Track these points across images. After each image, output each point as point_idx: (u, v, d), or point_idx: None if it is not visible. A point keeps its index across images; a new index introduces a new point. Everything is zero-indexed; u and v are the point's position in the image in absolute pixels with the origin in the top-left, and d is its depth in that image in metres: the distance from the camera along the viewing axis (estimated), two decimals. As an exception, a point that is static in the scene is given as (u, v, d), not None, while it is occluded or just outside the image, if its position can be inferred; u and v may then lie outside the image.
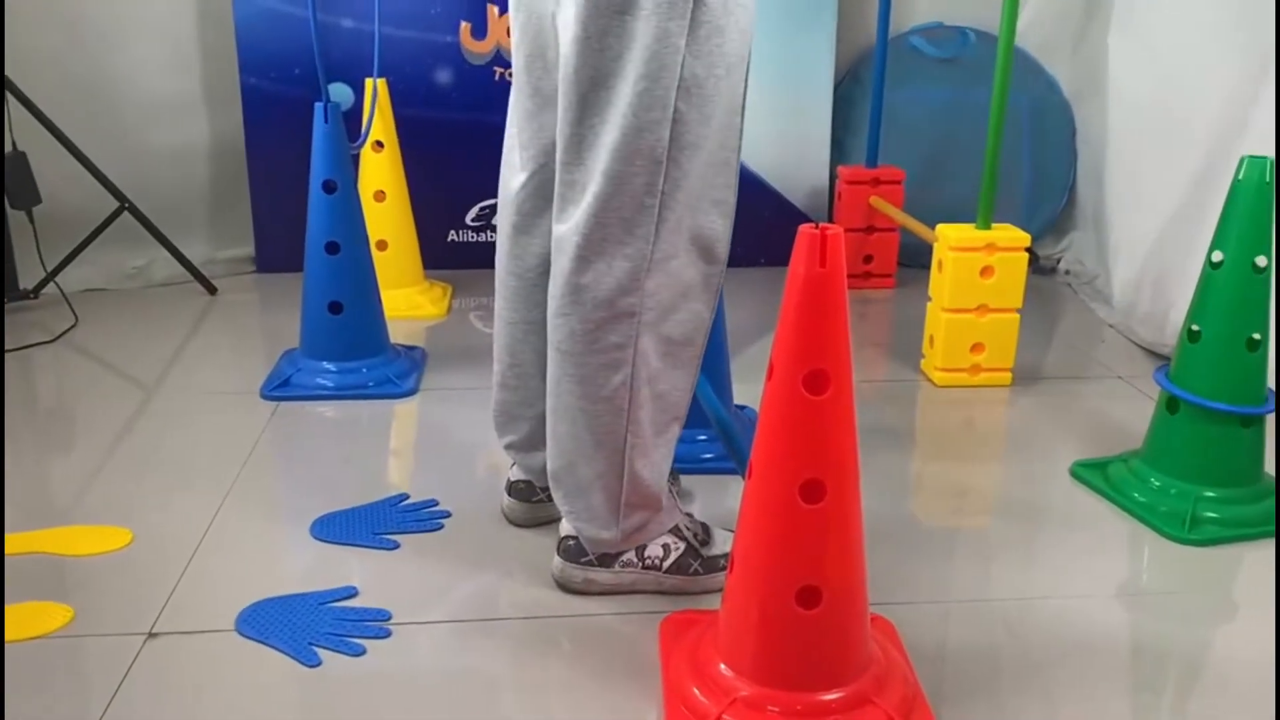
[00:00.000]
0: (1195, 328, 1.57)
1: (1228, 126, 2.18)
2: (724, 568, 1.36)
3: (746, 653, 1.11)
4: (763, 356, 1.30)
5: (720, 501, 1.64)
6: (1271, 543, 1.55)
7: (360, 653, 1.27)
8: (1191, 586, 1.45)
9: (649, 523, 1.35)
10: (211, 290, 2.69)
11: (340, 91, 2.68)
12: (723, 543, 1.40)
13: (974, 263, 2.06)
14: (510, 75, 2.75)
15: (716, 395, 1.62)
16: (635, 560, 1.37)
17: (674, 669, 1.19)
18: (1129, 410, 2.02)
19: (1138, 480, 1.65)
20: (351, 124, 2.36)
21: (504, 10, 2.73)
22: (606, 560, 1.36)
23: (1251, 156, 1.50)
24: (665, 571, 1.37)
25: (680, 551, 1.37)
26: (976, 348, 2.12)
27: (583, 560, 1.37)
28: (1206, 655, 1.31)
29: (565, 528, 1.38)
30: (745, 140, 1.26)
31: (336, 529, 1.55)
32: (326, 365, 2.06)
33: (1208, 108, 2.23)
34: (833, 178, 2.90)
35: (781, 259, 1.10)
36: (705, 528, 1.42)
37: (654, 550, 1.37)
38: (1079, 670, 1.26)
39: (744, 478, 1.10)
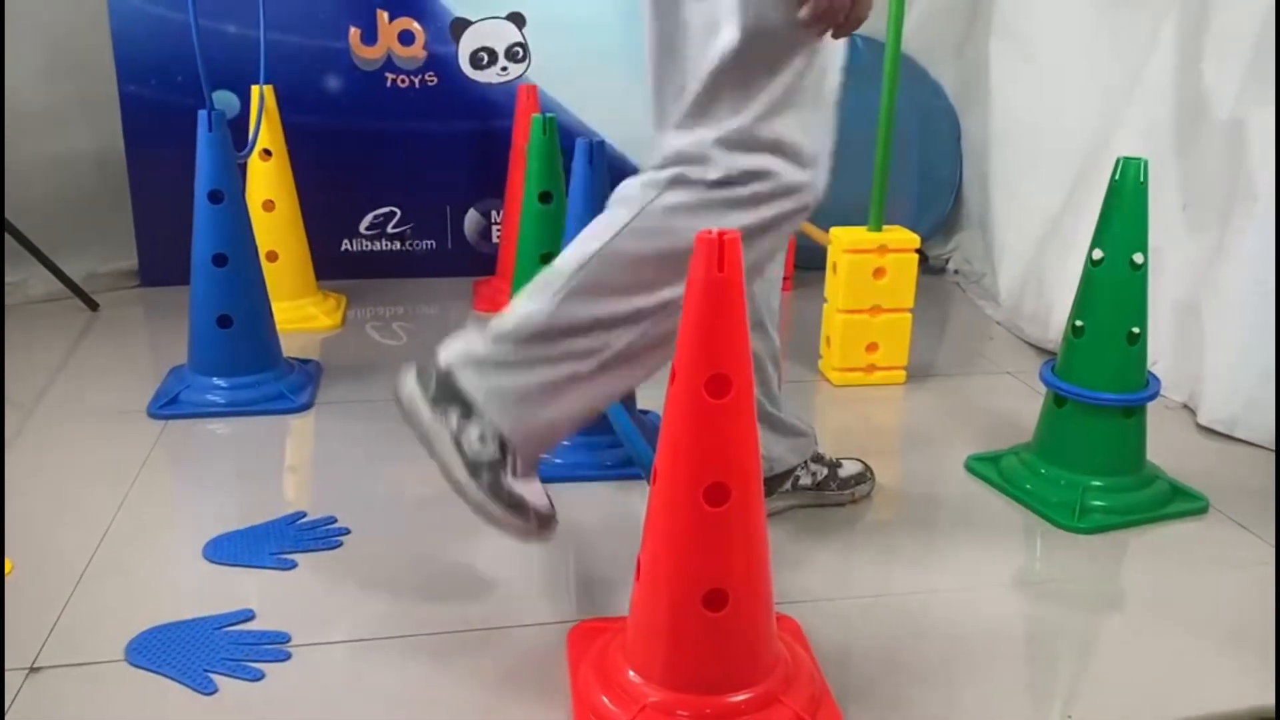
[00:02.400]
0: (1079, 323, 1.62)
1: (1102, 128, 2.26)
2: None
3: (655, 658, 1.11)
4: (664, 361, 1.30)
5: (626, 506, 1.64)
6: (1157, 527, 1.61)
7: (259, 677, 1.23)
8: (1082, 573, 1.50)
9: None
10: (93, 306, 2.59)
11: (225, 99, 2.60)
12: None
13: (867, 264, 2.10)
14: (403, 81, 2.73)
15: (620, 401, 1.62)
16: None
17: (582, 678, 1.18)
18: (1019, 404, 2.08)
19: (1029, 472, 1.70)
20: (237, 132, 2.29)
21: (395, 16, 2.69)
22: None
23: (1127, 158, 1.56)
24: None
25: None
26: (871, 347, 2.16)
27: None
28: (1099, 640, 1.35)
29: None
30: (644, 149, 1.27)
31: (231, 550, 1.50)
32: (216, 381, 2.00)
33: (1082, 110, 2.32)
34: (728, 182, 2.93)
35: (680, 264, 1.09)
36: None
37: None
38: (979, 660, 1.29)
39: (649, 483, 1.10)
